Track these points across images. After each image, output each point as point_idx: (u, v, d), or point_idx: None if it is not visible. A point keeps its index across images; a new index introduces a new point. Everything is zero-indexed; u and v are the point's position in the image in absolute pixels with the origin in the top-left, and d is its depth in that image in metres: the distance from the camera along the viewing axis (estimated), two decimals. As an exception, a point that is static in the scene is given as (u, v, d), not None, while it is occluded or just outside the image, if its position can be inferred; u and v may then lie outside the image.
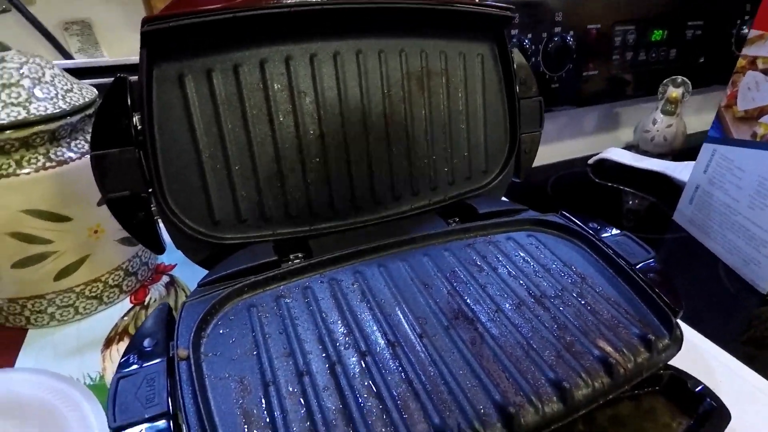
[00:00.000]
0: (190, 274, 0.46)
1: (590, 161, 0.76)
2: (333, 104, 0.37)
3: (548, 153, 0.77)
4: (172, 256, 0.48)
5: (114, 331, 0.40)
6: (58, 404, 0.30)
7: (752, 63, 0.47)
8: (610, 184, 0.71)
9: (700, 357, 0.38)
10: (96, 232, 0.38)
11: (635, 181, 0.70)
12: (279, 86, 0.35)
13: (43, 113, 0.33)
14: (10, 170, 0.33)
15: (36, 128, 0.33)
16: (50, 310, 0.39)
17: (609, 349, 0.29)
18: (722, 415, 0.29)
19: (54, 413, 0.30)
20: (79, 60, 0.53)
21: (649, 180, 0.70)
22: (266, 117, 0.35)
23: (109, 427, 0.24)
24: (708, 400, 0.30)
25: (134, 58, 0.49)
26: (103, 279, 0.40)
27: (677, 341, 0.30)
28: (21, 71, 0.33)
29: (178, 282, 0.46)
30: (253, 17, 0.31)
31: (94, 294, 0.40)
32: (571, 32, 0.66)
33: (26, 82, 0.33)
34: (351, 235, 0.39)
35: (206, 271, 0.35)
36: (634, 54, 0.73)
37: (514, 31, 0.62)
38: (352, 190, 0.39)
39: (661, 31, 0.74)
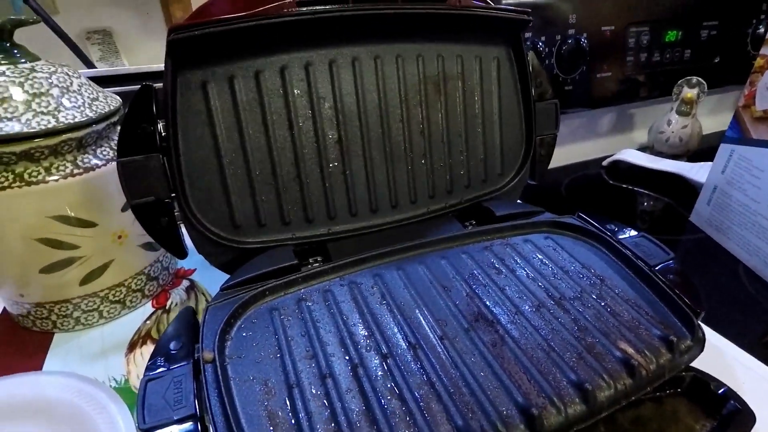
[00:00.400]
0: (209, 279, 0.47)
1: (604, 163, 0.76)
2: (351, 109, 0.37)
3: (562, 155, 0.76)
4: (191, 260, 0.49)
5: (137, 334, 0.40)
6: (85, 406, 0.31)
7: (770, 62, 0.47)
8: (624, 185, 0.71)
9: (722, 359, 0.38)
10: (120, 237, 0.39)
11: (650, 183, 0.70)
12: (299, 92, 0.35)
13: (71, 121, 0.34)
14: (40, 177, 0.34)
15: (64, 136, 0.34)
16: (76, 314, 0.40)
17: (630, 350, 0.28)
18: (747, 416, 0.29)
19: (82, 415, 0.31)
20: (102, 69, 0.55)
21: (665, 181, 0.69)
22: (286, 122, 0.36)
23: (139, 428, 0.24)
24: (732, 402, 0.30)
25: (155, 66, 0.50)
26: (126, 283, 0.41)
27: (699, 342, 0.30)
28: (50, 80, 0.34)
29: (198, 286, 0.46)
30: (274, 25, 0.32)
31: (117, 298, 0.41)
32: (585, 34, 0.66)
33: (55, 92, 0.34)
34: (369, 238, 0.40)
35: (225, 276, 0.36)
36: (649, 55, 0.73)
37: (528, 34, 0.63)
38: (369, 193, 0.40)
39: (675, 32, 0.73)
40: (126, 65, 0.59)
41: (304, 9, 0.32)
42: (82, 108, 0.35)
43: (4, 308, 0.43)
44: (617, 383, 0.27)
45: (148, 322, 0.42)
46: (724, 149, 0.52)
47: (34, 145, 0.33)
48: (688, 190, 0.65)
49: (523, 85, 0.43)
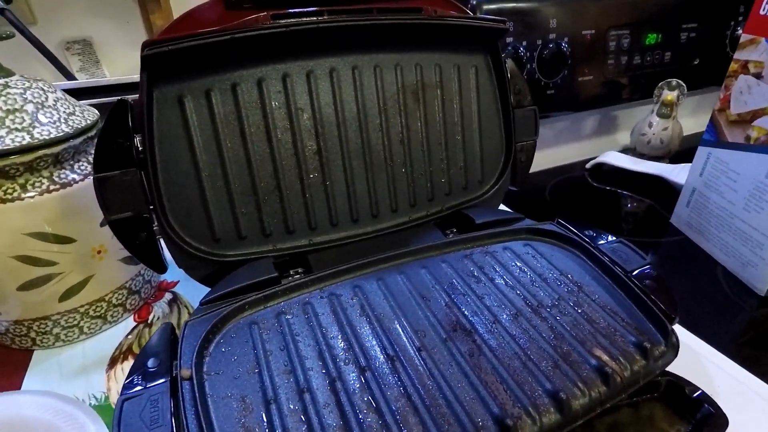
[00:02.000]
0: (193, 291, 0.47)
1: (588, 165, 0.77)
2: (330, 120, 0.37)
3: (546, 158, 0.77)
4: (174, 273, 0.49)
5: (118, 350, 0.40)
6: (63, 426, 0.31)
7: (744, 67, 0.48)
8: (608, 187, 0.72)
9: (698, 361, 0.38)
10: (99, 252, 0.39)
11: (633, 185, 0.71)
12: (277, 104, 0.35)
13: (47, 137, 0.33)
14: (15, 194, 0.33)
15: (40, 152, 0.33)
16: (55, 330, 0.39)
17: (605, 357, 0.29)
18: (720, 420, 0.29)
19: (61, 434, 0.31)
20: (81, 80, 0.54)
21: (647, 183, 0.70)
22: (264, 134, 0.36)
23: (115, 448, 0.24)
24: (706, 405, 0.30)
25: (135, 76, 0.50)
26: (106, 298, 0.41)
27: (673, 348, 0.30)
28: (24, 96, 0.34)
29: (181, 299, 0.46)
30: (250, 38, 0.32)
31: (98, 314, 0.41)
32: (566, 38, 0.67)
33: (30, 107, 0.34)
34: (350, 248, 0.40)
35: (208, 288, 0.36)
36: (629, 58, 0.74)
37: (509, 39, 0.63)
38: (350, 203, 0.40)
39: (655, 35, 0.74)
40: (107, 75, 0.59)
41: (280, 22, 0.33)
42: (58, 123, 0.35)
43: (-17, 325, 0.43)
44: (591, 391, 0.27)
45: (129, 336, 0.42)
46: (701, 152, 0.53)
47: (8, 162, 0.32)
48: (670, 191, 0.65)
49: (501, 93, 0.44)
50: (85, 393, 0.36)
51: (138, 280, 0.43)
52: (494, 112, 0.44)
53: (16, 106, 0.33)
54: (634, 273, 0.35)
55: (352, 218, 0.40)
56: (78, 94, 0.42)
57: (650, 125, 0.75)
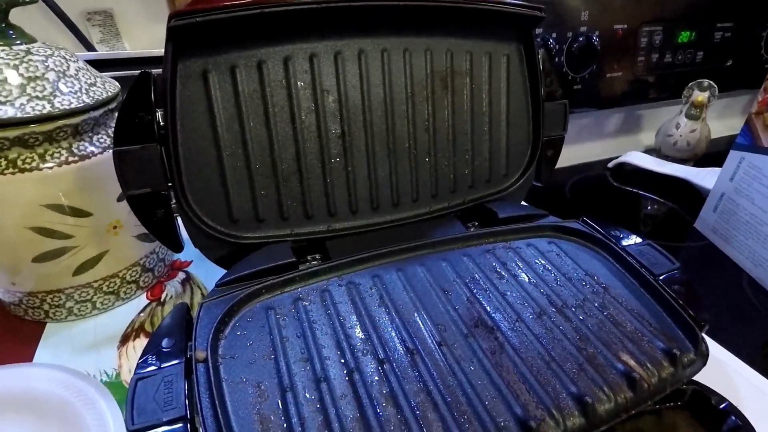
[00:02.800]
0: (206, 271, 0.46)
1: (610, 164, 0.75)
2: (356, 103, 0.36)
3: (567, 155, 0.75)
4: (187, 252, 0.48)
5: (130, 327, 0.40)
6: (74, 401, 0.30)
7: (786, 69, 0.46)
8: (629, 188, 0.70)
9: (723, 372, 0.37)
10: (115, 227, 0.38)
11: (655, 187, 0.69)
12: (302, 84, 0.34)
13: (67, 107, 0.33)
14: (34, 164, 0.33)
15: (60, 122, 0.33)
16: (68, 304, 0.39)
17: (632, 363, 0.28)
18: (748, 434, 0.28)
19: (71, 410, 0.30)
20: (102, 52, 0.53)
21: (670, 186, 0.68)
22: (288, 115, 0.35)
23: (127, 429, 0.24)
24: (733, 417, 0.29)
25: (156, 50, 0.49)
26: (120, 275, 0.40)
27: (703, 356, 0.29)
28: (46, 64, 0.33)
29: (194, 279, 0.46)
30: (280, 13, 0.31)
31: (111, 289, 0.40)
32: (597, 32, 0.65)
33: (51, 75, 0.33)
34: (368, 237, 0.39)
35: (222, 269, 0.35)
36: (660, 55, 0.72)
37: (538, 30, 0.61)
38: (371, 190, 0.39)
39: (688, 33, 0.72)
40: (127, 48, 0.58)
41: (310, -2, 0.31)
42: (78, 94, 0.34)
43: (-3, 295, 0.43)
44: (618, 396, 0.26)
45: (142, 314, 0.41)
46: (733, 156, 0.51)
47: (28, 130, 0.32)
48: (694, 195, 0.64)
49: (532, 84, 0.42)
50: (96, 369, 0.36)
51: (152, 257, 0.43)
52: (523, 104, 0.43)
53: (38, 74, 0.33)
54: (662, 277, 0.34)
55: (372, 206, 0.39)
56: (98, 66, 0.41)
57: (677, 126, 0.73)
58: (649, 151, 0.78)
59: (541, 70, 0.42)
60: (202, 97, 0.32)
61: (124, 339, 0.39)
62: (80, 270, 0.38)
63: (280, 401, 0.25)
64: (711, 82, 0.70)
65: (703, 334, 0.30)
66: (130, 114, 0.31)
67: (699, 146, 0.73)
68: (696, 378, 0.29)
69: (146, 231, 0.39)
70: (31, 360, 0.37)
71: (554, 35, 0.62)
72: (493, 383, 0.26)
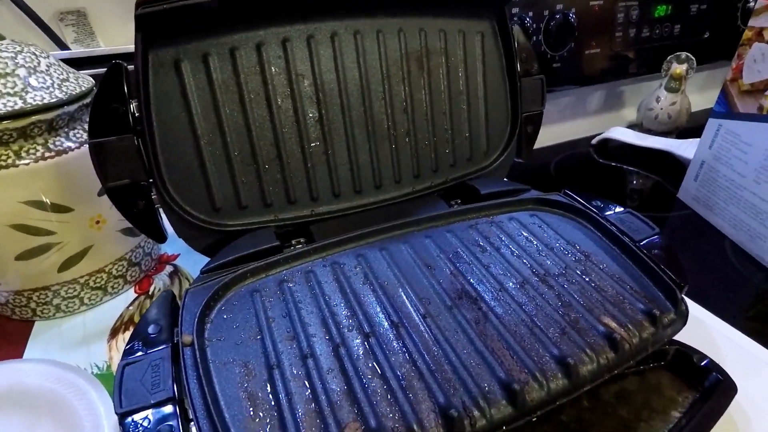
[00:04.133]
0: (194, 264, 0.46)
1: (593, 141, 0.76)
2: (332, 87, 0.36)
3: (551, 134, 0.76)
4: (174, 245, 0.48)
5: (119, 320, 0.40)
6: (65, 393, 0.31)
7: (759, 34, 0.46)
8: (613, 163, 0.71)
9: (706, 332, 0.38)
10: (98, 222, 0.38)
11: (639, 160, 0.70)
12: (276, 69, 0.34)
13: (40, 103, 0.33)
14: (9, 161, 0.33)
15: (33, 118, 0.32)
16: (56, 301, 0.39)
17: (614, 324, 0.28)
18: (728, 387, 0.29)
19: (62, 402, 0.30)
20: (76, 50, 0.53)
21: (653, 159, 0.69)
22: (264, 101, 0.35)
23: (115, 412, 0.24)
24: (714, 373, 0.30)
25: (131, 47, 0.48)
26: (106, 270, 0.40)
27: (682, 316, 0.30)
28: (16, 60, 0.33)
29: (182, 271, 0.46)
30: (247, -2, 0.31)
31: (98, 285, 0.40)
32: (573, 9, 0.65)
33: (21, 72, 0.33)
34: (352, 219, 0.39)
35: (209, 259, 0.35)
36: (638, 30, 0.72)
37: (514, 9, 0.61)
38: (352, 173, 0.39)
39: (665, 6, 0.72)
40: (102, 47, 0.57)
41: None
42: (51, 89, 0.34)
43: (-16, 297, 0.43)
44: (600, 357, 0.27)
45: (130, 308, 0.41)
46: (711, 124, 0.52)
47: (1, 127, 0.31)
48: (677, 166, 0.64)
49: (508, 61, 0.43)
50: (87, 362, 0.36)
51: (138, 252, 0.43)
52: (500, 81, 0.43)
53: (8, 70, 0.32)
54: (642, 242, 0.34)
55: (355, 189, 0.39)
56: (73, 65, 0.41)
57: (658, 99, 0.73)
58: (631, 126, 0.78)
59: (516, 46, 0.42)
60: (175, 87, 0.32)
61: (114, 332, 0.39)
62: (65, 266, 0.37)
63: (267, 378, 0.25)
64: (689, 54, 0.71)
65: (684, 296, 0.31)
66: (104, 105, 0.31)
67: (680, 118, 0.74)
68: (678, 338, 0.30)
69: (130, 225, 0.39)
70: (20, 358, 0.37)
71: (531, 14, 0.63)
72: (477, 351, 0.27)
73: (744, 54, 0.48)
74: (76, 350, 0.37)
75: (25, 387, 0.31)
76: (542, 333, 0.28)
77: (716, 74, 0.90)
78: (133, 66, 0.31)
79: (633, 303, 0.30)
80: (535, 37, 0.64)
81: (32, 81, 0.33)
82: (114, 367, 0.35)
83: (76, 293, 0.39)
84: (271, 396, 0.25)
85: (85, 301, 0.40)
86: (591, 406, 0.29)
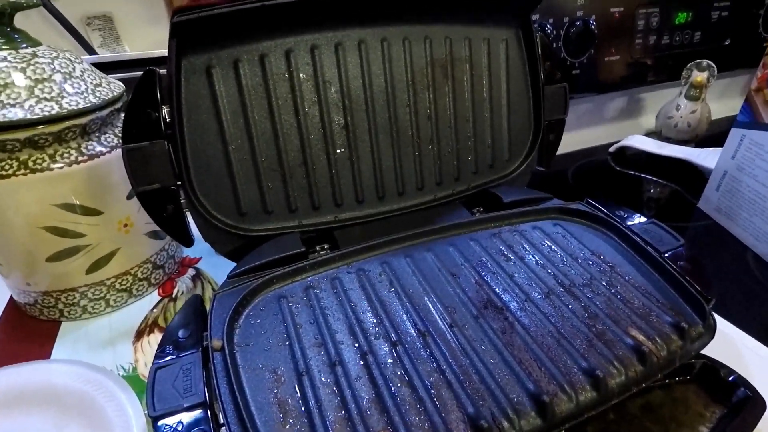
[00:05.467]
0: (215, 267, 0.47)
1: (611, 149, 0.75)
2: (358, 93, 0.37)
3: (569, 141, 0.75)
4: (197, 248, 0.49)
5: (144, 323, 0.40)
6: (94, 394, 0.31)
7: (785, 45, 0.46)
8: (631, 172, 0.70)
9: (731, 346, 0.37)
10: (126, 225, 0.39)
11: (658, 169, 0.69)
12: (304, 76, 0.35)
13: (75, 107, 0.33)
14: (45, 164, 0.33)
15: (68, 123, 0.33)
16: (83, 302, 0.40)
17: (641, 337, 0.28)
18: (757, 403, 0.28)
19: (91, 403, 0.31)
20: (104, 54, 0.54)
21: (672, 167, 0.69)
22: (292, 107, 0.35)
23: (149, 415, 0.24)
24: (742, 388, 0.29)
25: (157, 51, 0.49)
26: (132, 272, 0.41)
27: (710, 329, 0.30)
28: (52, 66, 0.34)
29: (204, 275, 0.46)
30: (280, 6, 0.31)
31: (124, 287, 0.41)
32: (594, 16, 0.65)
33: (58, 77, 0.34)
34: (375, 225, 0.39)
35: (231, 264, 0.35)
36: (658, 38, 0.72)
37: (534, 16, 0.61)
38: (376, 180, 0.39)
39: (685, 14, 0.72)
40: (128, 51, 0.58)
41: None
42: (85, 94, 0.34)
43: (11, 297, 0.43)
44: (628, 370, 0.27)
45: (155, 310, 0.42)
46: (734, 134, 0.51)
47: (37, 131, 0.32)
48: (697, 176, 0.64)
49: (531, 69, 0.43)
50: (113, 364, 0.36)
51: (162, 254, 0.44)
52: (523, 89, 0.43)
53: (45, 76, 0.33)
54: (667, 254, 0.34)
55: (378, 195, 0.40)
56: (100, 69, 0.42)
57: (677, 108, 0.73)
58: (650, 134, 0.78)
59: (539, 54, 0.42)
60: (206, 93, 0.33)
61: (139, 334, 0.39)
62: (93, 268, 0.38)
63: (296, 385, 0.26)
64: (710, 62, 0.70)
65: (710, 308, 0.30)
66: (137, 111, 0.31)
67: (700, 127, 0.73)
68: (704, 352, 0.30)
69: (156, 229, 0.40)
70: (48, 358, 0.37)
71: (551, 21, 0.63)
72: (504, 361, 0.27)
73: (770, 64, 0.47)
74: (103, 351, 0.38)
75: (54, 387, 0.32)
76: (569, 344, 0.28)
77: (737, 82, 0.90)
78: (163, 71, 0.32)
79: (660, 315, 0.30)
80: (555, 44, 0.64)
81: (67, 87, 0.34)
82: (140, 369, 0.36)
83: (102, 295, 0.40)
84: (301, 402, 0.25)
85: (111, 303, 0.41)
86: (617, 419, 0.29)
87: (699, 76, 0.70)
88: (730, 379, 0.30)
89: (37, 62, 0.33)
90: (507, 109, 0.43)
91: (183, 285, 0.45)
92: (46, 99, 0.32)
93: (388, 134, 0.38)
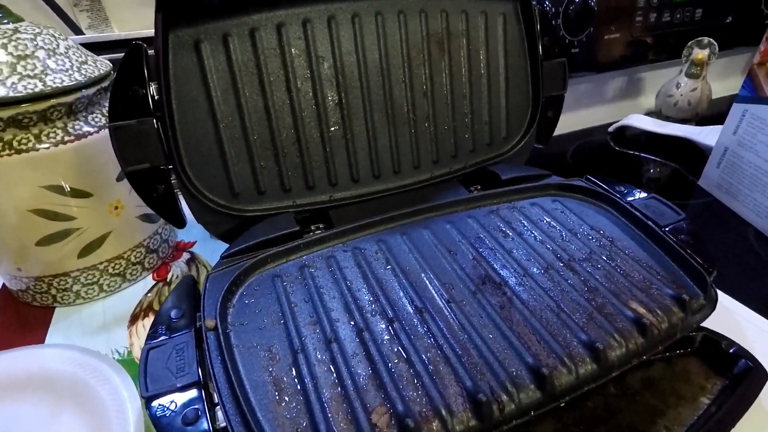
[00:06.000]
0: (210, 251, 0.46)
1: (611, 129, 0.74)
2: (352, 69, 0.36)
3: (568, 121, 0.74)
4: (191, 232, 0.48)
5: (139, 307, 0.40)
6: (89, 378, 0.31)
7: (787, 16, 0.45)
8: (631, 152, 0.69)
9: (732, 319, 0.37)
10: (116, 208, 0.38)
11: (657, 148, 0.68)
12: (296, 51, 0.34)
13: (59, 85, 0.32)
14: (30, 145, 0.32)
15: (53, 101, 0.32)
16: (75, 287, 0.39)
17: (642, 310, 0.28)
18: (759, 374, 0.28)
19: (85, 387, 0.30)
20: (91, 35, 0.53)
21: (672, 146, 0.68)
22: (284, 84, 0.34)
23: (141, 396, 0.24)
24: (744, 360, 0.29)
25: (146, 32, 0.48)
26: (125, 256, 0.40)
27: (711, 301, 0.29)
28: (35, 42, 0.33)
29: (199, 258, 0.46)
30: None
31: (117, 271, 0.40)
32: (592, -7, 0.64)
33: (41, 54, 0.33)
34: (371, 205, 0.39)
35: (226, 245, 0.35)
36: (658, 15, 0.70)
37: (532, -7, 0.60)
38: (371, 158, 0.38)
39: (686, -10, 0.70)
40: (116, 32, 0.57)
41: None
42: (70, 71, 0.34)
43: (3, 284, 0.43)
44: (629, 342, 0.26)
45: (149, 294, 0.41)
46: (736, 109, 0.51)
47: (21, 110, 0.31)
48: (697, 154, 0.63)
49: (530, 44, 0.42)
50: (108, 348, 0.36)
51: (156, 238, 0.43)
52: (522, 64, 0.42)
53: (27, 52, 0.32)
54: (668, 228, 0.34)
55: (374, 174, 0.39)
56: (88, 49, 0.41)
57: (678, 86, 0.72)
58: (649, 113, 0.77)
59: (538, 28, 0.41)
60: (195, 68, 0.32)
61: (133, 318, 0.39)
62: (85, 252, 0.37)
63: (292, 363, 0.25)
64: (711, 39, 0.69)
65: (711, 281, 0.30)
66: (124, 88, 0.30)
67: (700, 105, 0.72)
68: (705, 325, 0.29)
69: (148, 212, 0.39)
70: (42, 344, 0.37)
71: (549, -2, 0.61)
72: (503, 336, 0.26)
73: (772, 36, 0.46)
74: (97, 336, 0.37)
75: (48, 372, 0.32)
76: (569, 318, 0.27)
77: (737, 61, 0.88)
78: (152, 49, 0.31)
79: (661, 288, 0.29)
80: (553, 22, 0.63)
81: (51, 63, 0.33)
82: (135, 353, 0.35)
83: (95, 279, 0.39)
84: (296, 380, 0.24)
85: (104, 287, 0.40)
86: (618, 393, 0.29)
87: (700, 54, 0.69)
88: (732, 351, 0.30)
89: (18, 38, 0.32)
90: (505, 85, 0.42)
91: (178, 269, 0.44)
92: (29, 76, 0.31)
93: (383, 111, 0.38)
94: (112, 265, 0.40)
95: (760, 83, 0.48)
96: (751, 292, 0.41)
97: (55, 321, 0.39)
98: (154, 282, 0.43)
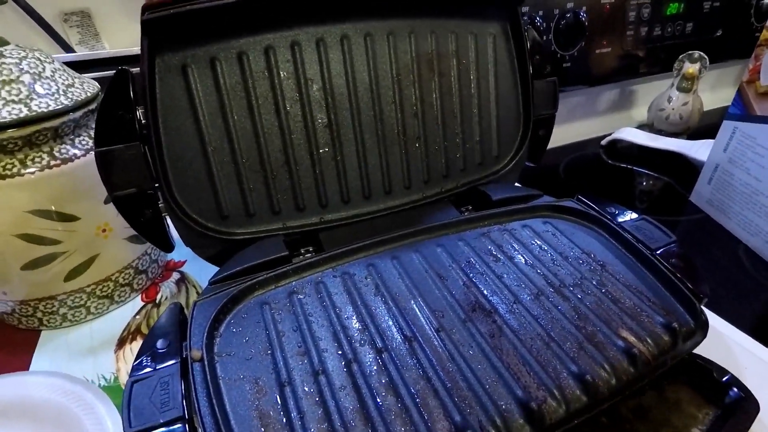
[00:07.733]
0: (200, 270, 0.46)
1: (603, 142, 0.74)
2: (341, 91, 0.35)
3: (560, 134, 0.75)
4: (181, 252, 0.47)
5: (126, 330, 0.39)
6: (72, 407, 0.30)
7: (776, 35, 0.45)
8: (623, 165, 0.70)
9: (723, 343, 0.37)
10: (104, 230, 0.38)
11: (649, 162, 0.69)
12: (285, 74, 0.34)
13: (45, 110, 0.32)
14: (15, 170, 0.32)
15: (39, 126, 0.32)
16: (62, 310, 0.38)
17: (632, 338, 0.28)
18: (751, 405, 0.28)
19: (69, 416, 0.30)
20: (80, 53, 0.52)
21: (664, 160, 0.68)
22: (273, 106, 0.34)
23: (125, 431, 0.23)
24: (735, 390, 0.29)
25: (136, 49, 0.48)
26: (113, 278, 0.40)
27: (702, 329, 0.29)
28: (20, 67, 0.33)
29: (189, 278, 0.45)
30: (258, 0, 0.30)
31: (105, 293, 0.40)
32: (584, 7, 0.64)
33: (26, 78, 0.32)
34: (362, 226, 0.38)
35: (216, 267, 0.34)
36: (649, 29, 0.71)
37: (524, 8, 0.60)
38: (362, 179, 0.38)
39: (677, 4, 0.71)
40: (107, 49, 0.57)
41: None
42: (56, 95, 0.33)
43: (-11, 305, 0.42)
44: (619, 373, 0.26)
45: (137, 316, 0.41)
46: (726, 126, 0.51)
47: (6, 136, 0.31)
48: (689, 169, 0.63)
49: (520, 63, 0.42)
50: (94, 373, 0.35)
51: (145, 259, 0.42)
52: (512, 84, 0.42)
53: (12, 77, 0.32)
54: (659, 251, 0.34)
55: (364, 195, 0.39)
56: (78, 67, 0.40)
57: (669, 100, 0.72)
58: (641, 126, 0.77)
59: (528, 48, 0.41)
60: (182, 92, 0.32)
61: (121, 342, 0.38)
62: (71, 275, 0.37)
63: (278, 396, 0.25)
64: (701, 53, 0.70)
65: (702, 306, 0.30)
66: (110, 113, 0.30)
67: (692, 119, 0.73)
68: (697, 351, 0.29)
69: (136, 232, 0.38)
70: (27, 369, 0.36)
71: (541, 13, 0.62)
72: (493, 367, 0.26)
73: (762, 55, 0.47)
74: (83, 360, 0.37)
75: (32, 400, 0.31)
76: (559, 348, 0.27)
77: (728, 72, 0.89)
78: (138, 70, 0.30)
79: (651, 315, 0.29)
80: (545, 37, 0.63)
81: (37, 88, 0.32)
82: (122, 378, 0.35)
83: (82, 302, 0.39)
84: (282, 414, 0.24)
85: (92, 310, 0.40)
86: (609, 423, 0.28)
87: (691, 68, 0.69)
88: (724, 379, 0.29)
89: (3, 63, 0.32)
90: (495, 104, 0.42)
91: (167, 290, 0.44)
92: (13, 101, 0.31)
93: (374, 132, 0.37)
94: (100, 287, 0.39)
95: (750, 101, 0.48)
96: (743, 312, 0.41)
97: (42, 344, 0.39)
98: (143, 303, 0.42)
